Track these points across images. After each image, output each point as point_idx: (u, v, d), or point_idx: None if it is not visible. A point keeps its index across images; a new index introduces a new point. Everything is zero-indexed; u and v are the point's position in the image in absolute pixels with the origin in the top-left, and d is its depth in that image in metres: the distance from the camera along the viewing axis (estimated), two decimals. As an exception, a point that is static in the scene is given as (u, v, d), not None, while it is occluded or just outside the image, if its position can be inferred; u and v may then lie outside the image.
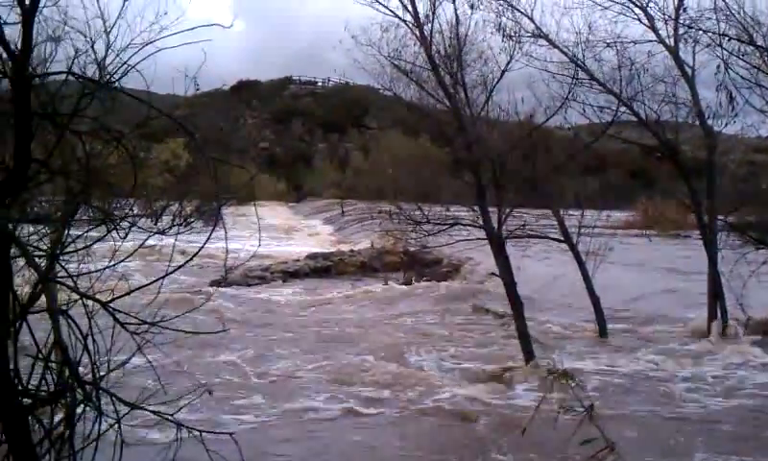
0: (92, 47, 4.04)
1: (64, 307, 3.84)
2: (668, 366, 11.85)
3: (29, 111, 3.64)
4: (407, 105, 12.99)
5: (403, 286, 21.03)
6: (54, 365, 3.85)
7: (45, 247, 4.05)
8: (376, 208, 20.07)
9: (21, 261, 3.75)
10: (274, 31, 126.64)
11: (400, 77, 12.07)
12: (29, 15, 3.59)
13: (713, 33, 11.80)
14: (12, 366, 3.76)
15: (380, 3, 11.56)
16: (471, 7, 11.73)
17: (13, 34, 3.67)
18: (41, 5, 3.70)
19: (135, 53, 4.06)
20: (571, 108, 13.02)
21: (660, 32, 13.41)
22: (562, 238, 13.98)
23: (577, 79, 13.11)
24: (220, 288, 18.61)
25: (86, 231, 4.12)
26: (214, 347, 12.15)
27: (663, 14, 13.30)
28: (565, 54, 13.33)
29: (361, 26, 11.88)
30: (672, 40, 13.34)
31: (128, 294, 3.99)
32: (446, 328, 15.22)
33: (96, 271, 4.14)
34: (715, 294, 13.70)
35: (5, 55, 3.65)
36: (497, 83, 11.82)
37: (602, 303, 14.17)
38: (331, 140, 78.70)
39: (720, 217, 13.78)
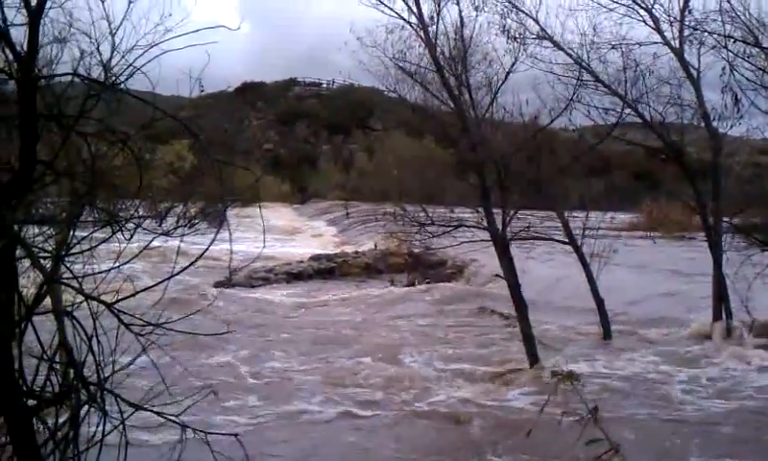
0: (98, 49, 4.05)
1: (69, 308, 3.85)
2: (673, 368, 11.83)
3: (35, 113, 3.65)
4: (412, 106, 13.00)
5: (403, 288, 21.02)
6: (58, 366, 3.85)
7: (50, 248, 4.06)
8: (381, 210, 20.09)
9: (26, 262, 3.75)
10: (278, 32, 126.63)
11: (405, 78, 12.10)
12: (35, 17, 3.60)
13: (719, 34, 11.79)
14: (16, 367, 3.76)
15: (385, 5, 11.58)
16: (476, 9, 11.74)
17: (19, 35, 3.69)
18: (47, 7, 3.71)
19: (141, 55, 4.07)
20: (576, 109, 13.05)
21: (665, 33, 13.39)
22: (566, 240, 13.96)
23: (582, 80, 13.11)
24: (225, 290, 18.62)
25: (92, 233, 4.12)
26: (211, 348, 12.14)
27: (669, 16, 13.29)
28: (570, 55, 13.32)
29: (366, 28, 11.90)
30: (677, 42, 13.31)
31: (133, 295, 4.00)
32: (448, 330, 15.23)
33: (101, 272, 4.14)
34: (720, 296, 13.66)
35: (11, 56, 3.66)
36: (502, 84, 11.83)
37: (606, 304, 14.15)
38: (336, 142, 78.71)
39: (725, 219, 13.75)
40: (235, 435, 4.39)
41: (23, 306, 3.76)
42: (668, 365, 12.01)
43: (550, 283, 18.57)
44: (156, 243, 4.27)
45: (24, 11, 3.64)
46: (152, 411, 3.94)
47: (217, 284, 19.67)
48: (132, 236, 4.16)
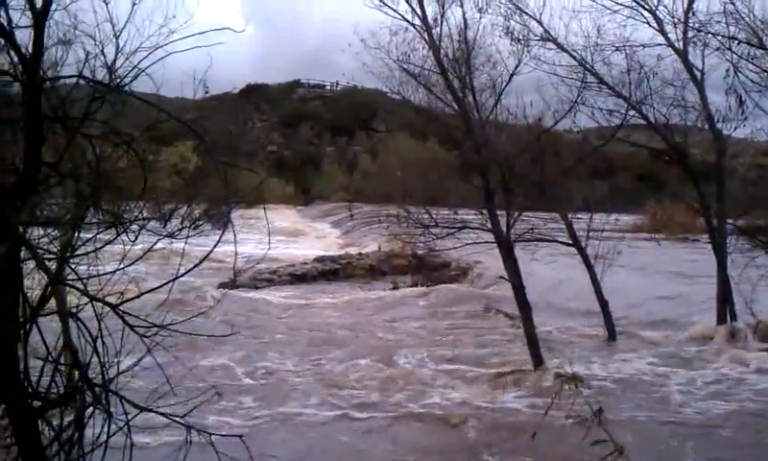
0: (102, 51, 4.06)
1: (74, 310, 3.86)
2: (677, 370, 11.81)
3: (40, 115, 3.66)
4: (416, 108, 12.98)
5: (407, 289, 21.02)
6: (63, 367, 3.86)
7: (55, 249, 4.07)
8: (384, 212, 20.07)
9: (31, 264, 3.76)
10: (281, 34, 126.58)
11: (409, 80, 12.08)
12: (40, 19, 3.61)
13: (723, 36, 11.78)
14: (22, 368, 3.78)
15: (389, 6, 11.58)
16: (480, 10, 11.73)
17: (24, 38, 3.70)
18: (52, 9, 3.72)
19: (145, 57, 4.08)
20: (580, 111, 13.02)
21: (669, 35, 13.36)
22: (570, 242, 13.95)
23: (586, 82, 13.10)
24: (229, 291, 18.60)
25: (96, 234, 4.13)
26: (208, 349, 12.01)
27: (673, 18, 13.26)
28: (574, 57, 13.31)
29: (370, 30, 11.89)
30: (681, 44, 13.29)
31: (137, 297, 4.01)
32: (452, 332, 15.22)
33: (106, 273, 4.15)
34: (724, 298, 13.63)
35: (16, 58, 3.67)
36: (506, 86, 11.81)
37: (610, 306, 14.14)
38: (339, 144, 78.67)
39: (729, 221, 13.73)
40: (240, 436, 4.39)
41: (28, 308, 3.77)
42: (672, 367, 11.99)
43: (554, 285, 18.55)
44: (160, 245, 4.28)
45: (29, 13, 3.66)
46: (157, 413, 3.95)
47: (221, 285, 19.66)
48: (136, 238, 4.17)
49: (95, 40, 4.17)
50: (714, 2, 12.31)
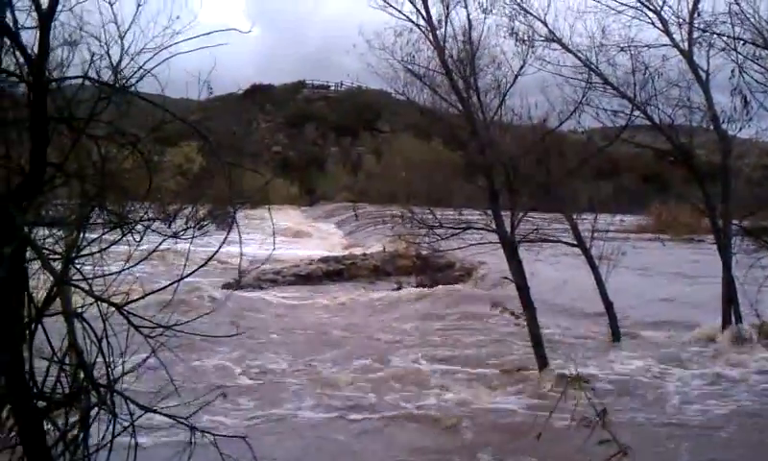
0: (107, 52, 4.07)
1: (79, 310, 3.87)
2: (681, 371, 11.78)
3: (45, 116, 3.67)
4: (420, 109, 12.99)
5: (410, 290, 21.03)
6: (69, 368, 3.87)
7: (60, 250, 4.08)
8: (388, 212, 20.07)
9: (37, 264, 3.77)
10: (286, 35, 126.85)
11: (414, 81, 12.08)
12: (46, 20, 3.62)
13: (728, 37, 11.78)
14: (27, 368, 3.78)
15: (394, 7, 11.58)
16: (484, 11, 11.73)
17: (30, 39, 3.71)
18: (57, 10, 3.73)
19: (150, 58, 4.08)
20: (585, 112, 13.01)
21: (674, 36, 13.35)
22: (575, 242, 13.94)
23: (590, 83, 13.07)
24: (233, 291, 18.62)
25: (101, 235, 4.14)
26: (203, 349, 11.99)
27: (678, 18, 13.25)
28: (579, 58, 13.30)
29: (374, 31, 11.90)
30: (686, 44, 13.27)
31: (142, 297, 4.01)
32: (455, 332, 15.22)
33: (111, 274, 4.16)
34: (729, 299, 13.60)
35: (22, 59, 3.68)
36: (510, 87, 11.81)
37: (614, 307, 14.12)
38: (344, 144, 78.79)
39: (734, 221, 13.70)
40: (243, 437, 4.40)
41: (33, 308, 3.78)
42: (677, 368, 11.96)
43: (558, 285, 18.52)
44: (164, 245, 4.29)
45: (35, 14, 3.66)
46: (162, 414, 3.95)
47: (225, 286, 19.69)
48: (141, 238, 4.18)
49: (100, 41, 4.18)
50: (719, 2, 12.29)
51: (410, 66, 11.87)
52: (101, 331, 3.88)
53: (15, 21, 3.68)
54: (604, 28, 13.14)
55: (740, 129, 12.81)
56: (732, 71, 11.42)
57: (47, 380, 3.92)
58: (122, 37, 4.16)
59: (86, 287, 3.84)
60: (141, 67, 4.05)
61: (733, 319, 13.61)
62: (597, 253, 13.94)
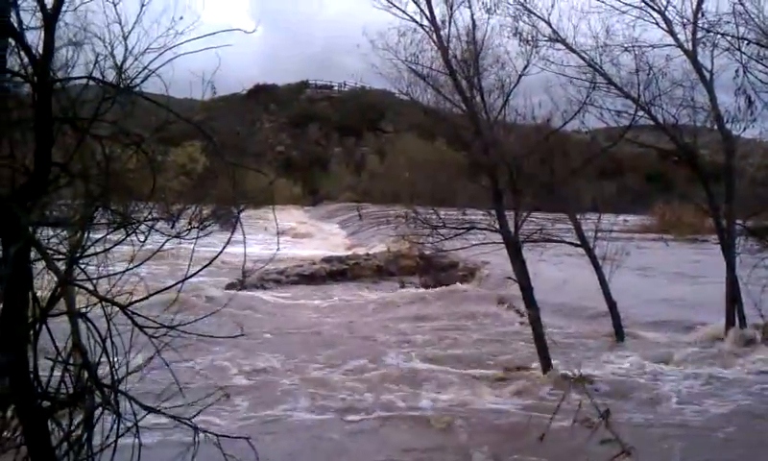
0: (111, 53, 4.07)
1: (83, 310, 3.87)
2: (685, 371, 11.77)
3: (50, 116, 3.68)
4: (424, 109, 12.98)
5: (414, 290, 21.03)
6: (73, 368, 3.87)
7: (65, 250, 4.08)
8: (392, 212, 20.08)
9: (41, 264, 3.77)
10: (290, 35, 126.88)
11: (417, 81, 12.08)
12: (51, 20, 3.62)
13: (732, 36, 11.77)
14: (31, 368, 3.79)
15: (397, 7, 11.58)
16: (488, 11, 11.73)
17: (35, 39, 3.71)
18: (62, 10, 3.73)
19: (155, 58, 4.08)
20: (588, 112, 13.00)
21: (678, 36, 13.33)
22: (578, 242, 13.93)
23: (594, 83, 13.08)
24: (237, 292, 18.61)
25: (106, 235, 4.14)
26: (201, 349, 11.95)
27: (681, 18, 13.24)
28: (583, 58, 13.30)
29: (378, 31, 11.91)
30: (690, 44, 13.25)
31: (146, 298, 4.02)
32: (457, 332, 15.22)
33: (115, 274, 4.16)
34: (733, 299, 13.59)
35: (26, 59, 3.69)
36: (514, 87, 11.80)
37: (618, 307, 14.12)
38: (347, 144, 78.80)
39: (738, 221, 13.69)
40: (247, 438, 4.41)
41: (38, 308, 3.78)
42: (680, 368, 11.95)
43: (561, 285, 18.48)
44: (169, 245, 4.29)
45: (39, 14, 3.67)
46: (166, 414, 3.96)
47: (228, 286, 19.69)
48: (146, 238, 4.18)
49: (104, 42, 4.18)
50: (723, 2, 12.30)
51: (414, 66, 11.88)
52: (105, 331, 3.88)
53: (20, 21, 3.69)
54: (608, 28, 13.15)
55: (744, 129, 12.80)
56: (737, 71, 11.40)
57: (51, 380, 3.93)
58: (126, 38, 4.16)
59: (91, 287, 3.85)
60: (146, 68, 4.06)
61: (737, 319, 13.59)
62: (601, 253, 13.94)
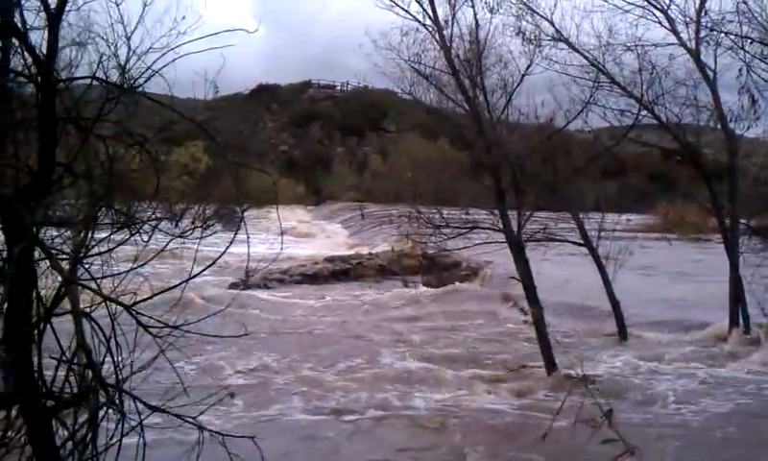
0: (115, 53, 4.08)
1: (88, 310, 3.87)
2: (689, 371, 11.77)
3: (54, 116, 3.68)
4: (427, 108, 12.98)
5: (417, 290, 21.03)
6: (77, 367, 3.87)
7: (68, 250, 4.08)
8: (395, 212, 20.07)
9: (45, 264, 3.78)
10: (292, 35, 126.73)
11: (420, 81, 12.08)
12: (54, 20, 3.63)
13: (735, 35, 11.75)
14: (36, 368, 3.80)
15: (400, 7, 11.58)
16: (491, 11, 11.72)
17: (38, 39, 3.72)
18: (66, 10, 3.74)
19: (158, 58, 4.09)
20: (592, 111, 13.00)
21: (681, 35, 13.33)
22: (582, 242, 13.92)
23: (597, 82, 13.06)
24: (242, 291, 18.59)
25: (109, 235, 4.15)
26: (197, 348, 11.91)
27: (685, 17, 13.24)
28: (586, 57, 13.29)
29: (381, 31, 11.91)
30: (693, 43, 13.25)
31: (150, 297, 4.02)
32: (459, 332, 15.22)
33: (119, 273, 4.17)
34: (737, 298, 13.58)
35: (30, 59, 3.69)
36: (517, 86, 11.79)
37: (621, 305, 14.11)
38: (350, 144, 78.66)
39: (742, 221, 13.67)
40: (252, 437, 4.41)
41: (42, 308, 3.79)
42: (683, 368, 11.95)
43: (564, 284, 18.47)
44: (172, 245, 4.29)
45: (43, 14, 3.67)
46: (170, 413, 3.96)
47: (232, 286, 19.68)
48: (150, 238, 4.18)
49: (107, 42, 4.19)
50: (727, 1, 12.29)
51: (416, 66, 11.87)
52: (109, 331, 3.88)
53: (24, 22, 3.70)
54: (611, 27, 13.16)
55: (748, 128, 12.79)
56: (740, 70, 11.38)
57: (56, 380, 3.93)
58: (129, 38, 4.17)
59: (95, 287, 3.85)
60: (149, 68, 4.06)
61: (741, 319, 13.58)
62: (604, 252, 13.93)
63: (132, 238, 4.17)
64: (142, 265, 4.25)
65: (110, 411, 3.84)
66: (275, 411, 9.74)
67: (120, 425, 3.87)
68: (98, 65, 3.95)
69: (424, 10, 11.49)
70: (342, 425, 9.27)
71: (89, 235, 4.04)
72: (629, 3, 13.19)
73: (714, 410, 9.92)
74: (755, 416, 9.74)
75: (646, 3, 13.25)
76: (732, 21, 11.84)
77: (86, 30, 4.29)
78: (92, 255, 4.03)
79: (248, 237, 4.09)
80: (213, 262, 4.21)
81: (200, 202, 4.91)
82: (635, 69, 13.26)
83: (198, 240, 4.20)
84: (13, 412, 3.83)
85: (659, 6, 13.30)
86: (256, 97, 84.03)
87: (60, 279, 3.75)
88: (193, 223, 4.46)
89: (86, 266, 3.99)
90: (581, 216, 14.06)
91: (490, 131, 11.59)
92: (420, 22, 11.56)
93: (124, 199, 4.36)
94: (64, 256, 3.97)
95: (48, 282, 3.87)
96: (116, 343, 3.90)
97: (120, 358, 3.92)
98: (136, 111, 4.25)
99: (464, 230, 12.10)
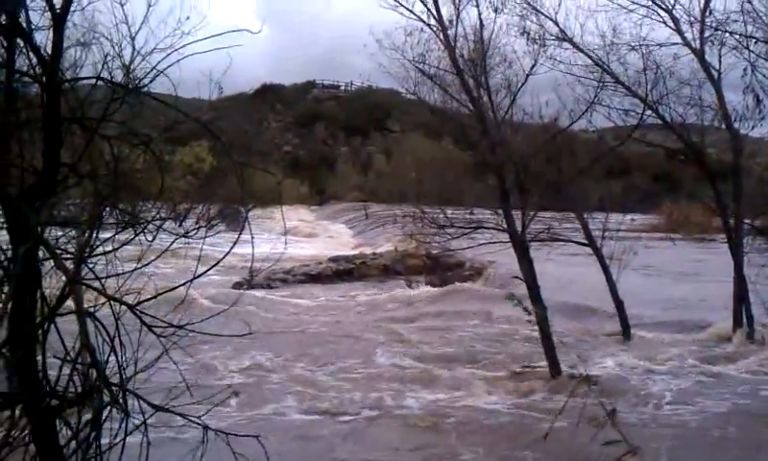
0: (120, 53, 4.08)
1: (92, 310, 3.88)
2: (692, 370, 11.77)
3: (59, 116, 3.69)
4: (431, 108, 12.98)
5: (419, 289, 21.04)
6: (81, 367, 3.88)
7: (73, 249, 4.09)
8: (399, 212, 20.06)
9: (50, 264, 3.78)
10: (296, 35, 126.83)
11: (424, 81, 12.07)
12: (59, 20, 3.63)
13: (740, 35, 11.74)
14: (40, 367, 3.80)
15: (404, 7, 11.57)
16: (495, 10, 11.71)
17: (43, 40, 3.73)
18: (71, 10, 3.74)
19: (163, 58, 4.09)
20: (596, 111, 12.98)
21: (685, 34, 13.31)
22: (586, 242, 13.92)
23: (602, 82, 13.06)
24: (246, 291, 18.62)
25: (114, 235, 4.16)
26: (194, 347, 11.90)
27: (689, 17, 13.22)
28: (590, 57, 13.28)
29: (385, 30, 11.91)
30: (698, 43, 13.23)
31: (154, 297, 4.03)
32: (461, 332, 15.21)
33: (123, 273, 4.17)
34: (741, 298, 13.56)
35: (35, 60, 3.70)
36: (521, 86, 11.77)
37: (625, 305, 14.10)
38: (354, 144, 78.74)
39: (746, 220, 13.66)
40: (257, 436, 4.42)
41: (46, 307, 3.79)
42: (688, 367, 11.94)
43: (567, 284, 18.48)
44: (177, 244, 4.30)
45: (48, 14, 3.68)
46: (174, 413, 3.96)
47: (235, 285, 19.73)
48: (154, 238, 4.19)
49: (112, 42, 4.19)
50: (731, 1, 12.26)
51: (421, 66, 11.87)
52: (113, 330, 3.89)
53: (29, 22, 3.70)
54: (615, 27, 13.15)
55: (752, 127, 12.80)
56: (745, 69, 11.40)
57: (60, 379, 3.94)
58: (133, 38, 4.17)
59: (99, 286, 3.86)
60: (153, 68, 4.06)
61: (745, 319, 13.56)
62: (608, 252, 13.92)
63: (136, 238, 4.18)
64: (146, 265, 4.25)
65: (114, 410, 3.84)
66: (269, 410, 9.75)
67: (124, 425, 3.88)
68: (103, 66, 3.96)
69: (428, 9, 11.49)
70: (337, 425, 9.28)
71: (94, 235, 4.05)
72: (633, 3, 13.19)
73: (716, 410, 9.91)
74: (757, 416, 9.72)
75: (650, 2, 13.25)
76: (736, 21, 11.84)
77: (91, 30, 4.29)
78: (96, 255, 4.03)
79: (252, 237, 4.09)
80: (218, 262, 4.21)
81: (204, 201, 4.91)
82: (639, 69, 13.27)
83: (202, 240, 4.20)
84: (17, 411, 3.84)
85: (663, 5, 13.29)
86: (260, 97, 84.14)
87: (64, 278, 3.75)
88: (197, 223, 4.46)
89: (91, 266, 4.00)
90: (585, 216, 14.06)
91: (494, 130, 11.58)
92: (424, 22, 11.57)
93: (128, 199, 4.37)
94: (69, 256, 3.98)
95: (52, 282, 3.88)
96: (120, 342, 3.91)
97: (124, 358, 3.93)
98: (141, 112, 4.26)
99: (468, 230, 12.10)
